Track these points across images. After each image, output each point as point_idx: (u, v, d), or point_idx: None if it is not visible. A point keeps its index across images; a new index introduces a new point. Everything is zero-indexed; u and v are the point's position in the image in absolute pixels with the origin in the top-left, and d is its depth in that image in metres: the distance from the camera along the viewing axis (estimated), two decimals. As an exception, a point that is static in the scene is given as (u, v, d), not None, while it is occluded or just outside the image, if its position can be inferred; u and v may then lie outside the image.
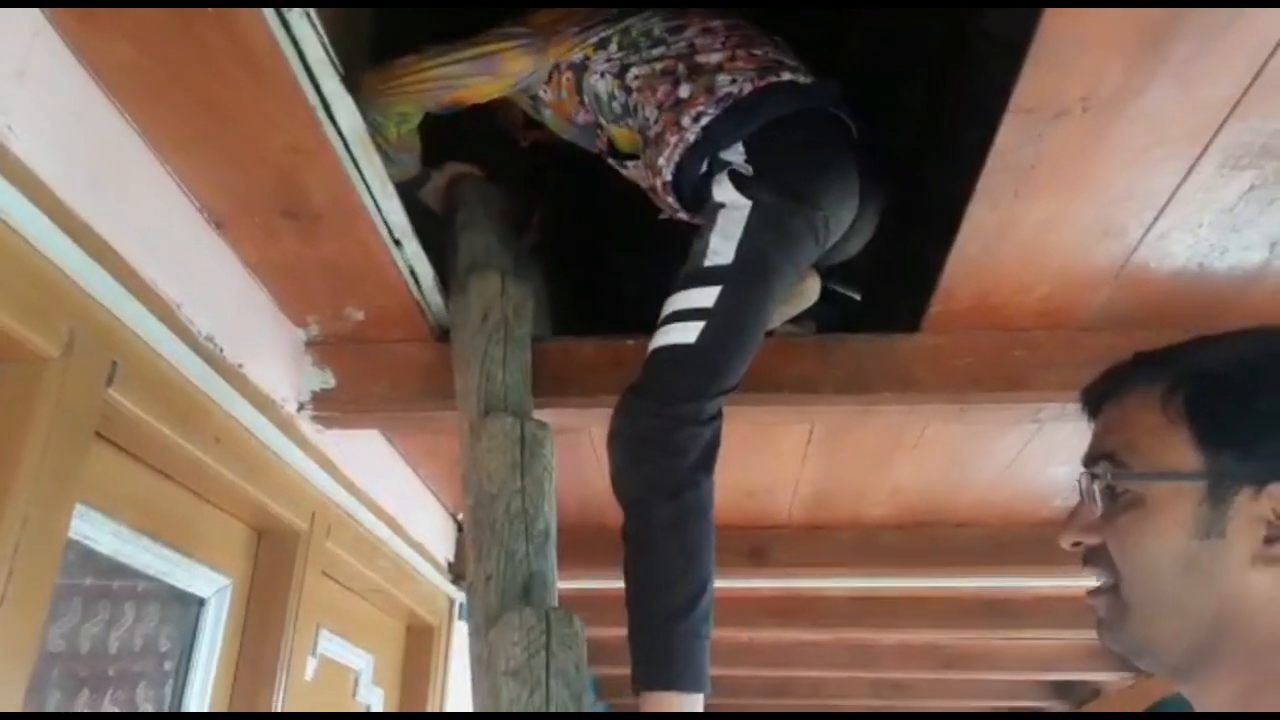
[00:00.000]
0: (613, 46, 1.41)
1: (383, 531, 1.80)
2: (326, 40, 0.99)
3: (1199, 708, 0.74)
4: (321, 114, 1.04)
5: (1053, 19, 0.91)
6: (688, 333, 1.23)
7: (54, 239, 0.92)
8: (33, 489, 0.91)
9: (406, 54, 1.36)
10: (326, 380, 1.49)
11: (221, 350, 1.26)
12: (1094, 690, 4.40)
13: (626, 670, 1.17)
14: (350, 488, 1.65)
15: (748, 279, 1.25)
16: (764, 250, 1.26)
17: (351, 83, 1.08)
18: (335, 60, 1.02)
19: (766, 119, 1.31)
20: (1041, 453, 2.00)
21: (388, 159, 1.32)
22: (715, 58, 1.37)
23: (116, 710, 1.22)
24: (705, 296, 1.23)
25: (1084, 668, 3.91)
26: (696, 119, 1.32)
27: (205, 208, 1.19)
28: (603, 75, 1.41)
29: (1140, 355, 0.78)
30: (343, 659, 1.86)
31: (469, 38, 1.39)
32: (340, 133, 1.09)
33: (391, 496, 1.87)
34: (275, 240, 1.25)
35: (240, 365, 1.30)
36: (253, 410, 1.32)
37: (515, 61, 1.39)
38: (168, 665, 1.34)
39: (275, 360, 1.42)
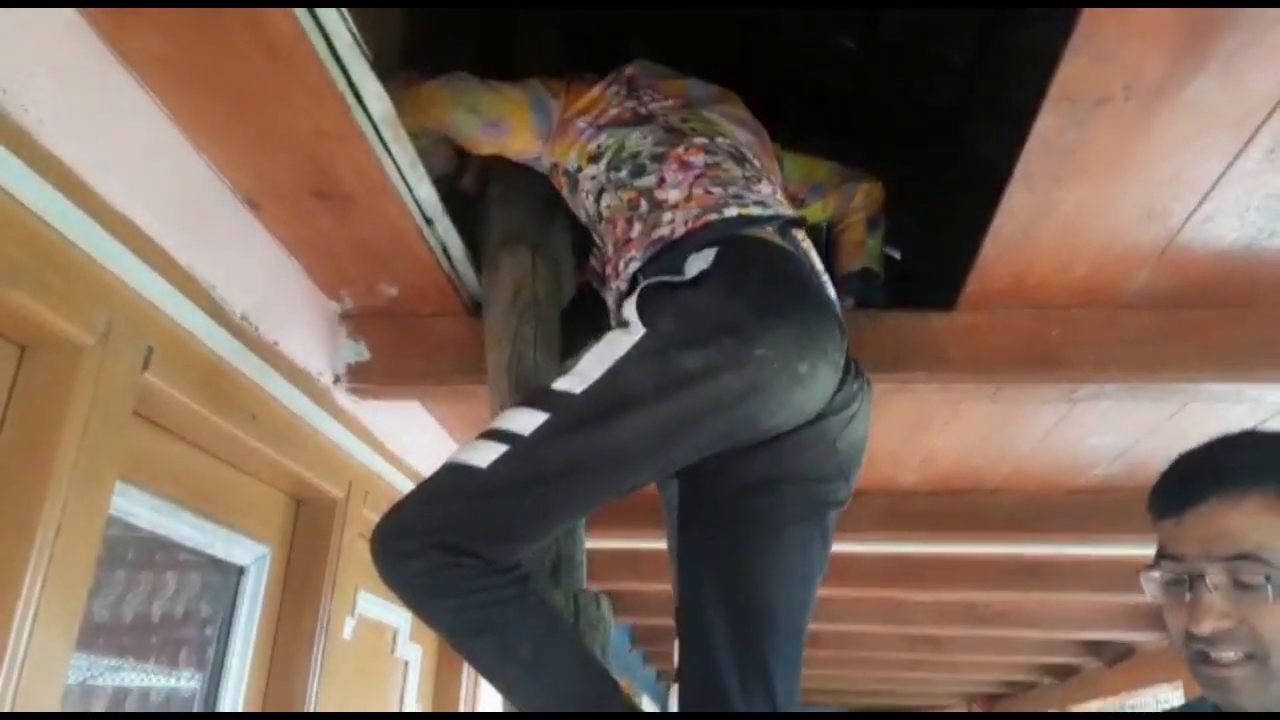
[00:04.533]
0: (603, 163, 1.28)
1: (407, 486, 1.83)
2: (354, 27, 0.99)
3: None
4: (350, 99, 1.04)
5: (1094, 12, 0.88)
6: (487, 454, 0.98)
7: (88, 230, 0.94)
8: (73, 470, 0.94)
9: (434, 76, 1.36)
10: (361, 353, 1.51)
11: (257, 328, 1.28)
12: (1128, 649, 4.40)
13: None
14: (387, 456, 1.68)
15: (583, 418, 0.98)
16: (631, 392, 0.98)
17: (381, 69, 1.08)
18: (363, 46, 1.02)
19: (692, 250, 1.09)
20: (1079, 425, 1.98)
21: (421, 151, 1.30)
22: (673, 195, 1.18)
23: (158, 672, 1.26)
24: (528, 420, 0.99)
25: (1119, 627, 3.90)
26: (628, 264, 1.17)
27: (238, 191, 1.20)
28: (587, 194, 1.31)
29: (1247, 459, 0.94)
30: (382, 618, 1.91)
31: (498, 81, 1.37)
32: (370, 116, 1.08)
33: (428, 462, 1.89)
34: (307, 221, 1.26)
35: (275, 342, 1.32)
36: (288, 385, 1.34)
37: (520, 140, 1.37)
38: (209, 631, 1.38)
39: (310, 335, 1.44)
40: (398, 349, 1.52)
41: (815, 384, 1.03)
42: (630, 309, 1.03)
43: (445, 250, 1.38)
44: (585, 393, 0.99)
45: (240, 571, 1.42)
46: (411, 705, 2.05)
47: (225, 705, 1.37)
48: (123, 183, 1.00)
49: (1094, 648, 4.64)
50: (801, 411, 1.04)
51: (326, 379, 1.48)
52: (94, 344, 0.95)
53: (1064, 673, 5.21)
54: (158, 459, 1.19)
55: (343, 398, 1.52)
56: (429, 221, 1.31)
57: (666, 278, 1.04)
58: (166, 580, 1.28)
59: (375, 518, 1.63)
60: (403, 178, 1.20)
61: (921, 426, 2.02)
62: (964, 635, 4.37)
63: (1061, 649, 4.69)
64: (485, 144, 1.39)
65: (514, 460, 0.97)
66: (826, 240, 1.65)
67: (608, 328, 1.10)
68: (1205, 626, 0.92)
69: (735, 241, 1.10)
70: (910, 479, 2.39)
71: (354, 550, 1.59)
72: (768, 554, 1.03)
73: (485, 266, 1.44)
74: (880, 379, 1.50)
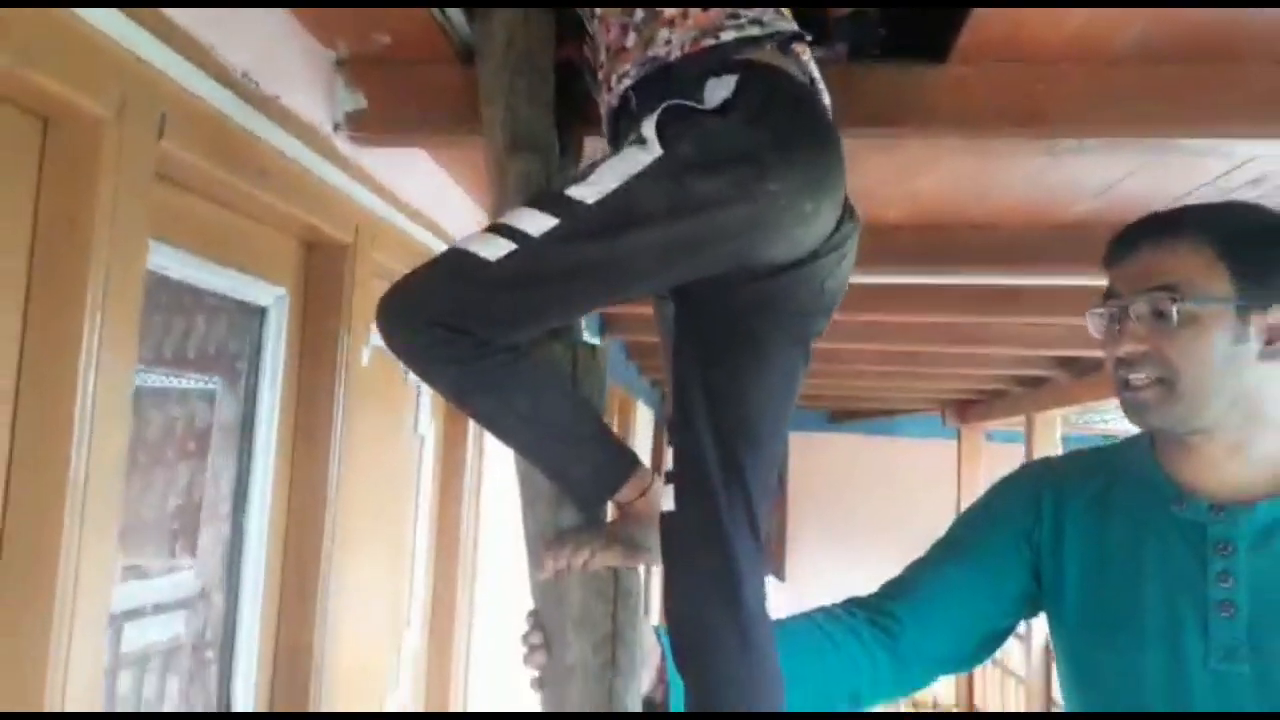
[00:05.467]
0: None
1: (424, 236, 1.92)
2: None
3: (1197, 449, 1.11)
4: None
5: None
6: (495, 249, 1.01)
7: (100, 11, 0.96)
8: (110, 234, 1.02)
9: None
10: (359, 102, 1.53)
11: (258, 84, 1.30)
12: (1096, 364, 4.66)
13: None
14: (392, 200, 1.75)
15: (593, 228, 1.01)
16: (642, 209, 1.00)
17: None
18: None
19: (706, 75, 1.08)
20: (1060, 170, 2.02)
21: None
22: (668, 10, 1.13)
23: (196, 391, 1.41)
24: (538, 223, 1.01)
25: (1090, 346, 4.13)
26: (620, 80, 1.15)
27: (227, -56, 1.19)
28: None
29: (1184, 212, 1.11)
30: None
31: None
32: None
33: (429, 203, 1.96)
34: (299, -27, 1.25)
35: (277, 96, 1.35)
36: (292, 138, 1.39)
37: None
38: (240, 365, 1.51)
39: (309, 87, 1.46)
40: (393, 98, 1.54)
41: (817, 222, 1.07)
42: (650, 128, 1.04)
43: (438, -1, 1.37)
44: (597, 204, 1.00)
45: (262, 312, 1.54)
46: (427, 425, 2.25)
47: (261, 426, 1.53)
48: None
49: (1064, 362, 4.91)
50: (800, 246, 1.08)
51: (327, 129, 1.52)
52: (112, 116, 1.00)
53: (1034, 383, 5.54)
54: (180, 215, 1.27)
55: (344, 146, 1.57)
56: (420, -30, 1.29)
57: (689, 102, 1.04)
58: (198, 323, 1.40)
59: (383, 258, 1.76)
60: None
61: (910, 172, 2.07)
62: (940, 352, 4.62)
63: (1033, 364, 4.96)
64: None
65: (520, 258, 1.00)
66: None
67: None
68: (1123, 348, 1.08)
69: (756, 71, 1.09)
70: (896, 215, 2.46)
71: (366, 288, 1.70)
72: (754, 375, 1.12)
73: (478, 15, 1.43)
74: (872, 134, 1.54)
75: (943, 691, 7.74)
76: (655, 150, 1.02)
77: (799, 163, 1.04)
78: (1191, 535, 1.12)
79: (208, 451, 1.42)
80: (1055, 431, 5.63)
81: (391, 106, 1.54)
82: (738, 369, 1.11)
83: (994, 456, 6.69)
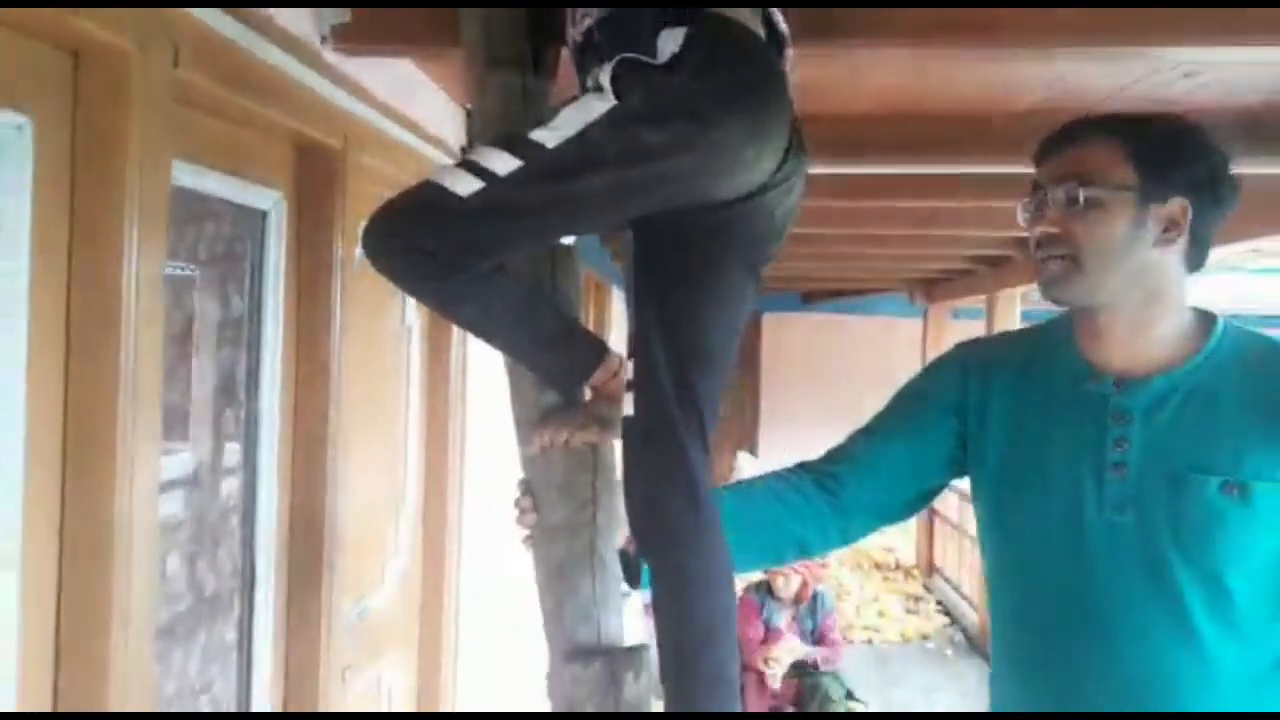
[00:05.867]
0: None
1: (409, 139, 2.03)
2: None
3: (1105, 330, 1.29)
4: None
5: None
6: (467, 185, 1.10)
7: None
8: (141, 152, 1.15)
9: None
10: (343, 15, 1.63)
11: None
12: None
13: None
14: (380, 109, 1.87)
15: (551, 170, 1.11)
16: (595, 156, 1.11)
17: None
18: None
19: (661, 26, 1.16)
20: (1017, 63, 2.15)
21: None
22: None
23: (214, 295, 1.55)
24: (504, 163, 1.10)
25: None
26: (583, 17, 1.22)
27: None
28: None
29: (1104, 116, 1.27)
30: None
31: None
32: None
33: (415, 109, 2.07)
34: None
35: (270, 16, 1.45)
36: (284, 53, 1.49)
37: None
38: (246, 265, 1.65)
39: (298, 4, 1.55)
40: (376, 12, 1.63)
41: (760, 166, 1.18)
42: (605, 77, 1.15)
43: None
44: (556, 148, 1.11)
45: (263, 215, 1.66)
46: (413, 316, 2.39)
47: (267, 318, 1.68)
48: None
49: (1024, 243, 5.03)
50: (747, 185, 1.19)
51: (315, 42, 1.61)
52: (136, 49, 1.11)
53: (996, 262, 5.73)
54: (188, 131, 1.38)
55: (332, 58, 1.67)
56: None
57: (641, 57, 1.15)
58: (207, 227, 1.52)
59: (371, 162, 1.87)
60: None
61: (871, 66, 2.18)
62: (907, 234, 4.77)
63: (995, 244, 5.13)
64: None
65: (487, 195, 1.10)
66: None
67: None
68: (1039, 229, 1.26)
69: (707, 23, 1.17)
70: (863, 108, 2.57)
71: (356, 189, 1.83)
72: (706, 301, 1.24)
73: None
74: (823, 49, 1.64)
75: (904, 552, 8.19)
76: (609, 100, 1.13)
77: (740, 113, 1.14)
78: (1096, 407, 1.31)
79: (222, 343, 1.57)
80: (1015, 308, 5.85)
81: (374, 20, 1.63)
82: (691, 295, 1.23)
83: (958, 333, 6.91)
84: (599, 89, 1.16)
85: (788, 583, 4.91)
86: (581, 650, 1.25)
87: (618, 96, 1.14)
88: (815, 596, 4.99)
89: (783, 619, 4.89)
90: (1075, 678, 1.28)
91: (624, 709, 1.21)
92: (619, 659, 1.24)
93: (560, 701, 1.24)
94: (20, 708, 1.06)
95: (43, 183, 1.06)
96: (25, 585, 1.06)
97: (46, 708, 1.10)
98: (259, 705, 1.66)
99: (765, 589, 4.95)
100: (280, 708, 1.72)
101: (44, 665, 1.10)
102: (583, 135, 1.11)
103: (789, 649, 4.60)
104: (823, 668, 4.74)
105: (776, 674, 4.51)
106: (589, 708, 1.22)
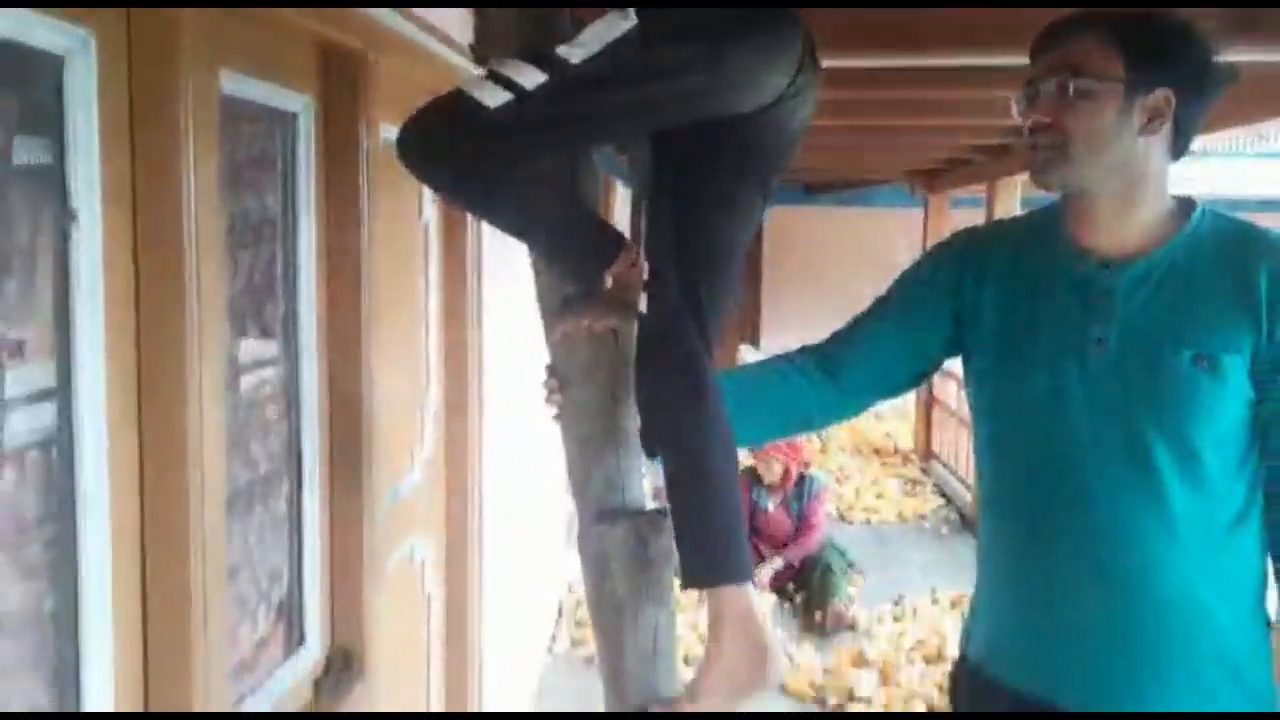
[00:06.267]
0: None
1: (427, 40, 2.09)
2: None
3: (1090, 214, 1.41)
4: None
5: None
6: (495, 97, 1.17)
7: None
8: (192, 62, 1.23)
9: None
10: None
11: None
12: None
13: None
14: (401, 13, 1.91)
15: (575, 85, 1.18)
16: (616, 72, 1.18)
17: None
18: None
19: None
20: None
21: None
22: None
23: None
24: (531, 78, 1.17)
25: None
26: None
27: None
28: None
29: (1095, 13, 1.34)
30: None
31: None
32: None
33: (432, 12, 2.11)
34: None
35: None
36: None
37: None
38: (280, 165, 1.73)
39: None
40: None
41: (772, 82, 1.27)
42: None
43: None
44: (581, 64, 1.18)
45: (294, 118, 1.74)
46: (430, 211, 2.48)
47: (301, 215, 1.77)
48: None
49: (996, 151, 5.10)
50: (760, 100, 1.27)
51: (337, -54, 1.67)
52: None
53: (995, 151, 5.75)
54: (229, 40, 1.44)
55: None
56: None
57: None
58: (243, 130, 1.60)
59: (394, 64, 1.93)
60: None
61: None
62: (907, 124, 4.80)
63: (994, 133, 5.16)
64: None
65: (515, 107, 1.17)
66: None
67: None
68: (1031, 118, 1.36)
69: None
70: (862, -1, 2.61)
71: (379, 93, 1.90)
72: (718, 211, 1.34)
73: None
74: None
75: (903, 438, 8.42)
76: (631, 20, 1.20)
77: (752, 34, 1.23)
78: (1082, 286, 1.42)
79: (261, 241, 1.67)
80: (1015, 195, 5.90)
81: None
82: (703, 204, 1.34)
83: (958, 222, 6.96)
84: (623, 9, 1.23)
85: (769, 469, 5.14)
86: (609, 513, 1.39)
87: (639, 17, 1.21)
88: (803, 480, 5.22)
89: (771, 502, 5.12)
90: (1053, 532, 1.42)
91: (648, 564, 1.36)
92: (642, 520, 1.38)
93: (591, 558, 1.38)
94: (113, 572, 1.19)
95: (105, 94, 1.15)
96: (112, 467, 1.19)
97: (136, 572, 1.24)
98: (310, 573, 1.82)
99: (753, 474, 5.18)
100: (328, 577, 1.88)
101: (133, 536, 1.23)
102: (604, 52, 1.18)
103: (769, 568, 4.93)
104: (801, 557, 5.02)
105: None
106: (617, 564, 1.36)
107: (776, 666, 1.29)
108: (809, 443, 8.24)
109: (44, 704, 1.14)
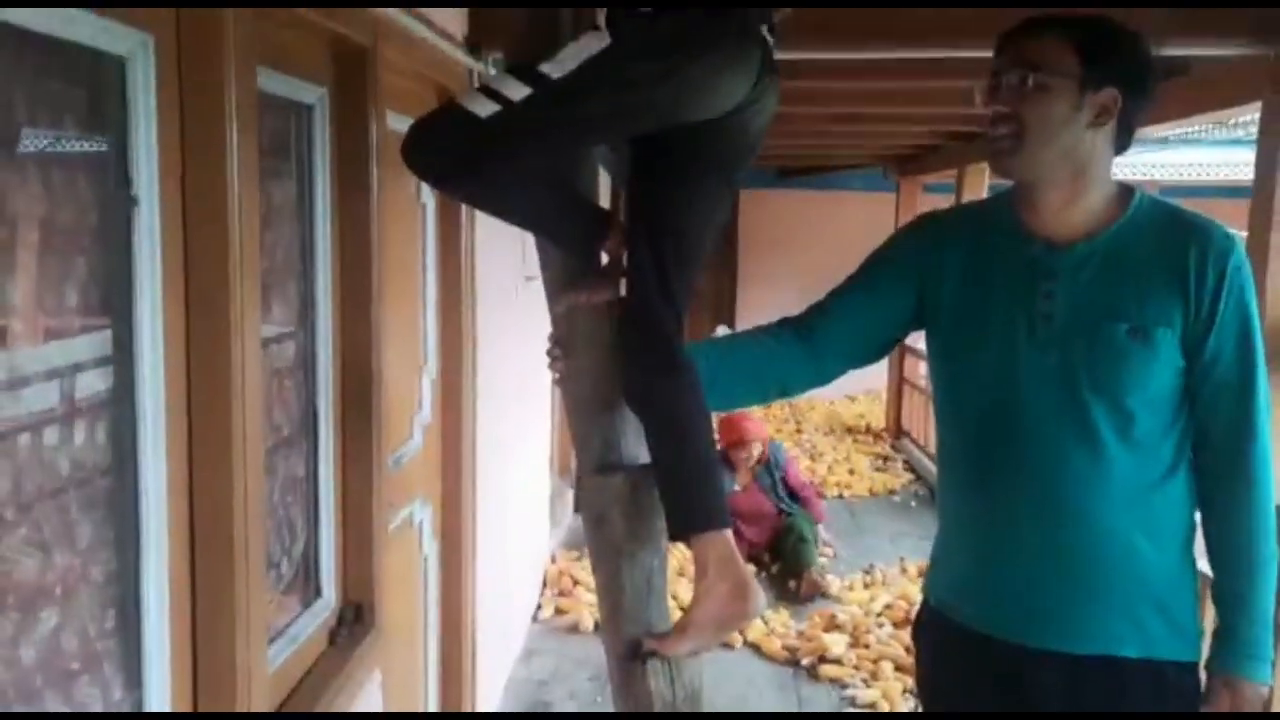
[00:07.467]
0: None
1: (424, 33, 2.22)
2: None
3: (1040, 201, 1.55)
4: None
5: None
6: (485, 108, 1.30)
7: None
8: (236, 60, 1.37)
9: None
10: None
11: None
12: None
13: None
14: (402, 7, 2.05)
15: (557, 98, 1.31)
16: (592, 86, 1.31)
17: None
18: None
19: None
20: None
21: None
22: None
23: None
24: (517, 90, 1.30)
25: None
26: None
27: None
28: None
29: (1058, 14, 1.49)
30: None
31: None
32: None
33: (434, 10, 2.24)
34: None
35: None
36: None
37: None
38: (296, 153, 1.87)
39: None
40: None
41: (734, 93, 1.41)
42: (601, 19, 1.37)
43: None
44: (560, 79, 1.31)
45: (310, 109, 1.88)
46: (427, 193, 2.61)
47: (318, 200, 1.90)
48: None
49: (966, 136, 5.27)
50: (722, 108, 1.42)
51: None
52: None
53: (965, 138, 5.93)
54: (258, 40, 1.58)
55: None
56: None
57: (635, 8, 1.37)
58: (266, 121, 1.73)
59: (398, 58, 2.07)
60: None
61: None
62: (879, 113, 4.96)
63: (966, 121, 5.32)
64: None
65: (504, 116, 1.30)
66: None
67: None
68: (993, 107, 1.50)
69: None
70: (834, -2, 2.75)
71: (385, 82, 2.03)
72: (687, 207, 1.49)
73: None
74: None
75: (874, 417, 8.63)
76: (605, 40, 1.34)
77: (714, 50, 1.37)
78: (1030, 266, 1.58)
79: (282, 222, 1.80)
80: (984, 180, 6.08)
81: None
82: (674, 201, 1.49)
83: (929, 206, 7.13)
84: (597, 29, 1.36)
85: (749, 453, 5.32)
86: (607, 466, 1.54)
87: (612, 36, 1.34)
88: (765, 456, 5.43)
89: (738, 484, 5.29)
90: (1002, 485, 1.59)
91: (642, 512, 1.52)
92: (636, 473, 1.53)
93: (589, 506, 1.54)
94: (169, 509, 1.34)
95: (161, 91, 1.28)
96: (169, 421, 1.33)
97: (186, 510, 1.39)
98: (325, 532, 1.97)
99: (722, 458, 5.37)
100: (341, 528, 2.02)
101: (182, 481, 1.38)
102: (582, 69, 1.32)
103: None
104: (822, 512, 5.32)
105: None
106: (614, 512, 1.52)
107: (757, 599, 1.46)
108: (785, 424, 8.42)
109: (111, 618, 1.29)
